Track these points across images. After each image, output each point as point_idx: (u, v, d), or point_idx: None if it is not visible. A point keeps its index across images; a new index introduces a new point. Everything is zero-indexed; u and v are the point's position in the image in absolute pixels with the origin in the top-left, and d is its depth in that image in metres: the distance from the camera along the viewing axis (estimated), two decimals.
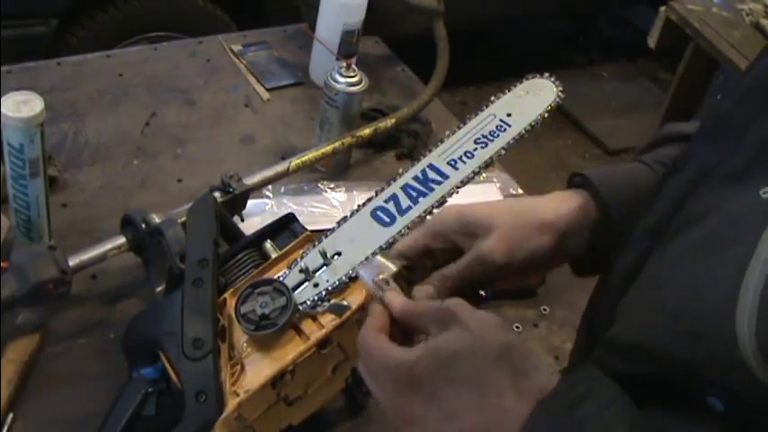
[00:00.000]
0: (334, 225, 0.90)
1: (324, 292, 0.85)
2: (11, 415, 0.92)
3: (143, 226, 1.02)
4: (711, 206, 0.58)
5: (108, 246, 1.03)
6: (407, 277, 0.74)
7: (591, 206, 0.74)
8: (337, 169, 1.38)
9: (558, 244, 0.72)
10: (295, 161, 1.25)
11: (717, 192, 0.58)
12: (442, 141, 1.00)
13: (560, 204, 0.74)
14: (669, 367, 0.57)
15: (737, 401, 0.52)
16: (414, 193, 0.92)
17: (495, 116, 1.00)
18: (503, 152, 0.99)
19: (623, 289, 0.65)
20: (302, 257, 0.88)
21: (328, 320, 0.85)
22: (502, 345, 0.59)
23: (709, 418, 0.54)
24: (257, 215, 1.23)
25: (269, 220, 0.98)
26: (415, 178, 0.94)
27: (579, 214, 0.74)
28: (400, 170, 0.95)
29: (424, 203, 0.91)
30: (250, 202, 1.17)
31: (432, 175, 0.94)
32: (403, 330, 0.65)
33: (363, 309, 0.86)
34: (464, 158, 0.96)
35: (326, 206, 1.31)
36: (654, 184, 0.72)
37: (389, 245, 0.88)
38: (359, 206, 0.92)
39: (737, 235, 0.51)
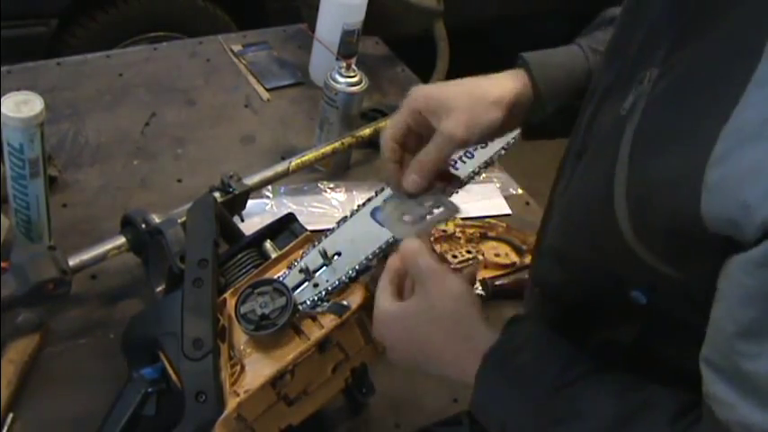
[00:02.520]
0: (334, 225, 0.90)
1: (324, 293, 0.85)
2: (11, 415, 0.92)
3: (143, 226, 1.02)
4: (604, 122, 0.70)
5: (108, 246, 1.03)
6: None
7: (529, 84, 0.85)
8: (337, 169, 1.38)
9: (506, 117, 0.82)
10: (295, 161, 1.25)
11: (609, 109, 0.69)
12: None
13: (506, 83, 0.84)
14: (583, 268, 0.72)
15: (655, 292, 0.63)
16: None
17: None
18: (503, 152, 0.99)
19: (552, 207, 0.78)
20: (302, 257, 0.88)
21: (328, 320, 0.85)
22: (453, 317, 0.74)
23: (636, 312, 0.66)
24: (257, 215, 1.23)
25: (269, 220, 0.98)
26: None
27: (521, 91, 0.84)
28: None
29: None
30: (250, 202, 1.17)
31: None
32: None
33: (363, 309, 0.87)
34: (464, 158, 0.96)
35: (326, 206, 1.31)
36: (584, 70, 0.84)
37: (389, 245, 0.88)
38: (359, 206, 0.92)
39: (607, 146, 0.62)
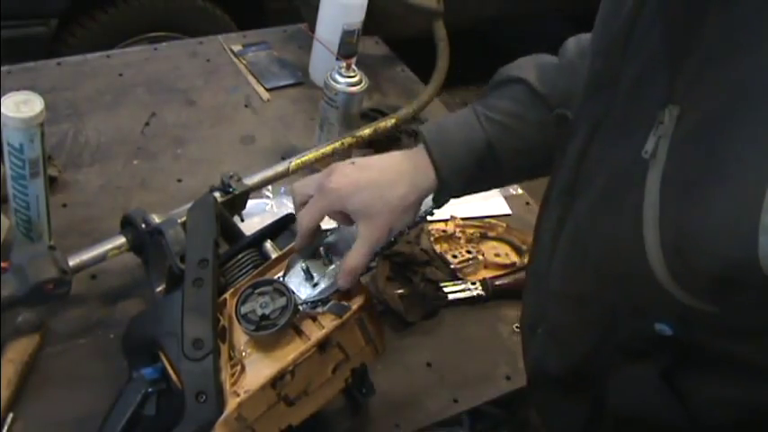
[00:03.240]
0: (334, 225, 0.90)
1: (324, 293, 0.85)
2: (11, 415, 0.92)
3: (143, 226, 1.02)
4: (604, 159, 0.68)
5: (108, 246, 1.03)
6: None
7: (427, 159, 0.86)
8: None
9: (417, 210, 0.86)
10: (295, 161, 1.25)
11: (607, 145, 0.68)
12: None
13: (414, 177, 0.85)
14: (606, 310, 0.69)
15: (683, 323, 0.61)
16: None
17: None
18: None
19: (552, 247, 0.75)
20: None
21: (328, 321, 0.85)
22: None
23: (663, 343, 0.63)
24: (257, 215, 1.23)
25: (269, 220, 0.98)
26: None
27: (427, 178, 0.85)
28: None
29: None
30: (250, 202, 1.17)
31: None
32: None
33: (363, 309, 0.87)
34: None
35: None
36: (483, 141, 0.85)
37: (389, 245, 0.88)
38: None
39: (628, 189, 0.60)
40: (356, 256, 0.82)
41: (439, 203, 0.89)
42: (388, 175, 0.84)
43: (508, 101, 0.87)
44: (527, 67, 0.88)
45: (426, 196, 0.86)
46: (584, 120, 0.72)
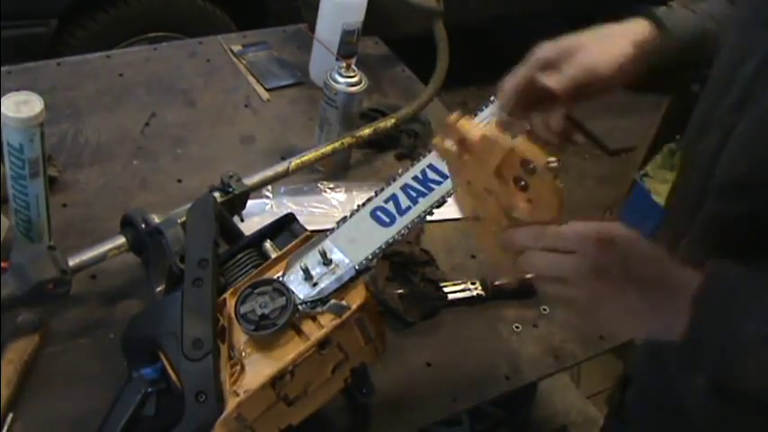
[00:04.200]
0: (334, 225, 0.91)
1: (324, 293, 0.85)
2: (11, 415, 0.92)
3: (143, 226, 1.02)
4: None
5: (108, 246, 1.03)
6: None
7: (654, 31, 0.90)
8: (337, 169, 1.38)
9: (635, 55, 0.87)
10: (295, 161, 1.25)
11: None
12: None
13: (633, 26, 0.90)
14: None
15: None
16: (413, 194, 0.92)
17: (495, 117, 1.00)
18: None
19: (713, 162, 0.76)
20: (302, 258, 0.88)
21: (328, 320, 0.85)
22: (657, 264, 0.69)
23: None
24: (257, 215, 1.23)
25: (269, 220, 0.98)
26: (415, 178, 0.94)
27: (647, 34, 0.89)
28: (400, 170, 0.95)
29: (424, 204, 0.91)
30: (250, 202, 1.17)
31: (431, 175, 0.94)
32: None
33: (363, 309, 0.87)
34: None
35: (326, 206, 1.31)
36: (700, 27, 0.89)
37: (389, 245, 0.88)
38: (359, 206, 0.92)
39: None
40: (565, 79, 0.84)
41: (654, 66, 0.90)
42: (603, 27, 0.88)
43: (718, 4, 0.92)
44: None
45: (641, 64, 0.88)
46: (757, 49, 0.74)
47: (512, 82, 0.85)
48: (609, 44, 0.87)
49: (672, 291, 0.67)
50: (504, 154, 0.71)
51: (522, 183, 0.71)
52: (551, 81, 0.85)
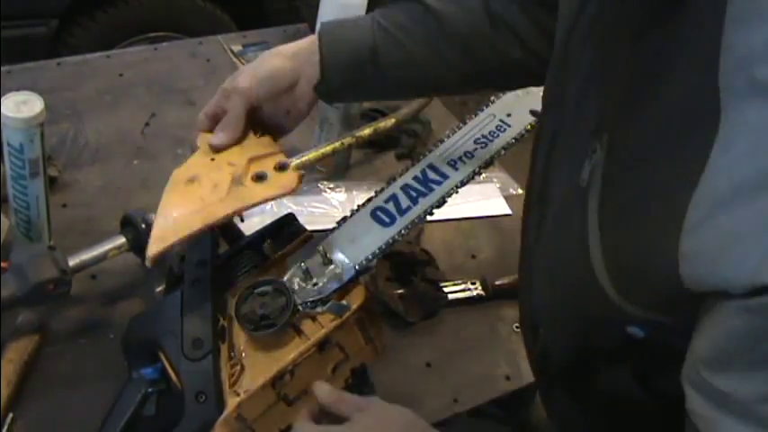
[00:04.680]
0: (334, 225, 0.91)
1: (324, 293, 0.85)
2: (11, 415, 0.92)
3: (143, 226, 1.02)
4: (559, 174, 0.70)
5: (108, 246, 1.03)
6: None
7: (316, 45, 0.89)
8: (337, 169, 1.38)
9: (290, 70, 0.87)
10: (295, 161, 1.24)
11: (560, 162, 0.70)
12: (441, 141, 1.00)
13: (293, 43, 0.90)
14: (573, 316, 0.71)
15: (656, 326, 0.61)
16: (413, 194, 0.92)
17: (495, 116, 1.00)
18: (503, 152, 0.99)
19: (533, 252, 0.77)
20: (302, 257, 0.88)
21: (328, 321, 0.85)
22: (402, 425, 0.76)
23: (634, 346, 0.64)
24: (257, 215, 1.23)
25: (269, 220, 0.98)
26: (415, 178, 0.94)
27: (306, 48, 0.89)
28: (400, 170, 0.95)
29: (424, 203, 0.91)
30: None
31: (431, 175, 0.95)
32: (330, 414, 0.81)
33: (363, 309, 0.87)
34: (464, 158, 0.96)
35: (326, 206, 1.31)
36: (368, 46, 0.87)
37: (389, 245, 0.88)
38: (359, 206, 0.92)
39: (574, 211, 0.63)
40: (227, 107, 0.88)
41: (321, 94, 0.91)
42: (267, 54, 0.88)
43: (401, 12, 0.89)
44: None
45: (304, 82, 0.88)
46: (546, 128, 0.73)
47: (203, 111, 0.91)
48: (260, 63, 0.87)
49: None
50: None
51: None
52: (216, 140, 0.87)
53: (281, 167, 0.86)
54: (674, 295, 0.52)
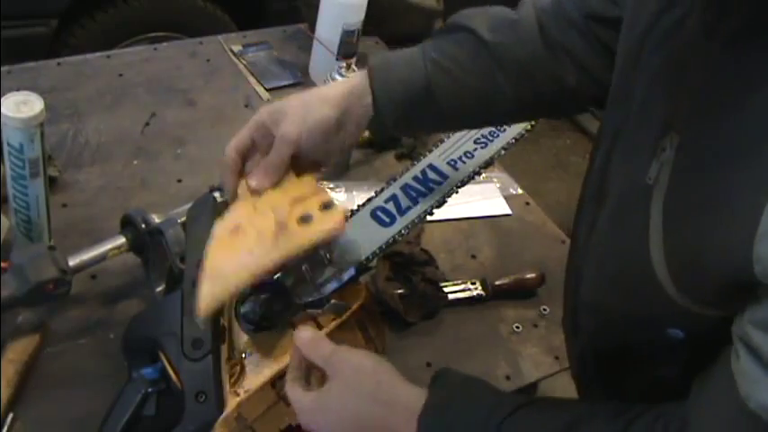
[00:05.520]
0: None
1: (324, 293, 0.85)
2: (11, 415, 0.92)
3: (143, 226, 1.02)
4: (620, 173, 0.71)
5: (108, 246, 1.03)
6: None
7: (367, 83, 0.84)
8: (337, 169, 1.38)
9: (341, 113, 0.83)
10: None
11: (623, 159, 0.70)
12: (441, 141, 1.00)
13: (341, 84, 0.86)
14: (619, 315, 0.72)
15: (697, 327, 0.63)
16: (413, 194, 0.92)
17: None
18: (503, 152, 0.99)
19: (585, 251, 0.77)
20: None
21: (328, 321, 0.85)
22: (371, 388, 0.72)
23: (677, 347, 0.66)
24: None
25: None
26: (415, 178, 0.94)
27: (354, 89, 0.84)
28: (400, 170, 0.95)
29: (424, 203, 0.91)
30: None
31: (431, 175, 0.95)
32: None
33: (363, 309, 0.87)
34: (464, 158, 0.96)
35: None
36: (423, 85, 0.84)
37: (389, 245, 0.88)
38: (359, 206, 0.92)
39: (635, 208, 0.64)
40: (271, 153, 0.82)
41: (373, 132, 0.88)
42: (315, 98, 0.83)
43: (454, 45, 0.86)
44: (478, 17, 0.87)
45: (352, 126, 0.85)
46: (608, 128, 0.73)
47: (233, 144, 0.84)
48: (308, 111, 0.82)
49: (390, 407, 0.71)
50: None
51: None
52: (256, 183, 0.83)
53: (326, 207, 0.81)
54: (733, 291, 0.55)
